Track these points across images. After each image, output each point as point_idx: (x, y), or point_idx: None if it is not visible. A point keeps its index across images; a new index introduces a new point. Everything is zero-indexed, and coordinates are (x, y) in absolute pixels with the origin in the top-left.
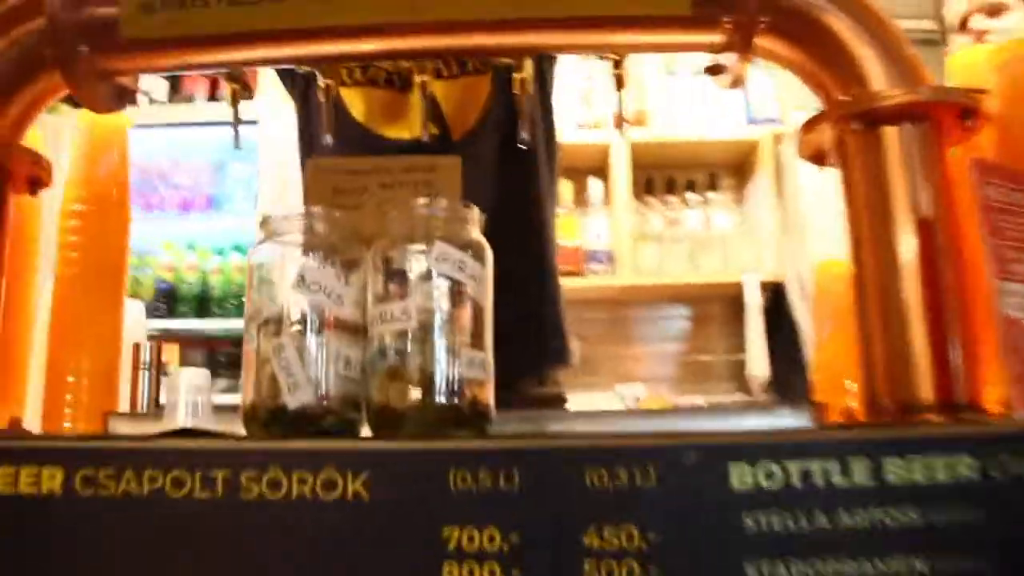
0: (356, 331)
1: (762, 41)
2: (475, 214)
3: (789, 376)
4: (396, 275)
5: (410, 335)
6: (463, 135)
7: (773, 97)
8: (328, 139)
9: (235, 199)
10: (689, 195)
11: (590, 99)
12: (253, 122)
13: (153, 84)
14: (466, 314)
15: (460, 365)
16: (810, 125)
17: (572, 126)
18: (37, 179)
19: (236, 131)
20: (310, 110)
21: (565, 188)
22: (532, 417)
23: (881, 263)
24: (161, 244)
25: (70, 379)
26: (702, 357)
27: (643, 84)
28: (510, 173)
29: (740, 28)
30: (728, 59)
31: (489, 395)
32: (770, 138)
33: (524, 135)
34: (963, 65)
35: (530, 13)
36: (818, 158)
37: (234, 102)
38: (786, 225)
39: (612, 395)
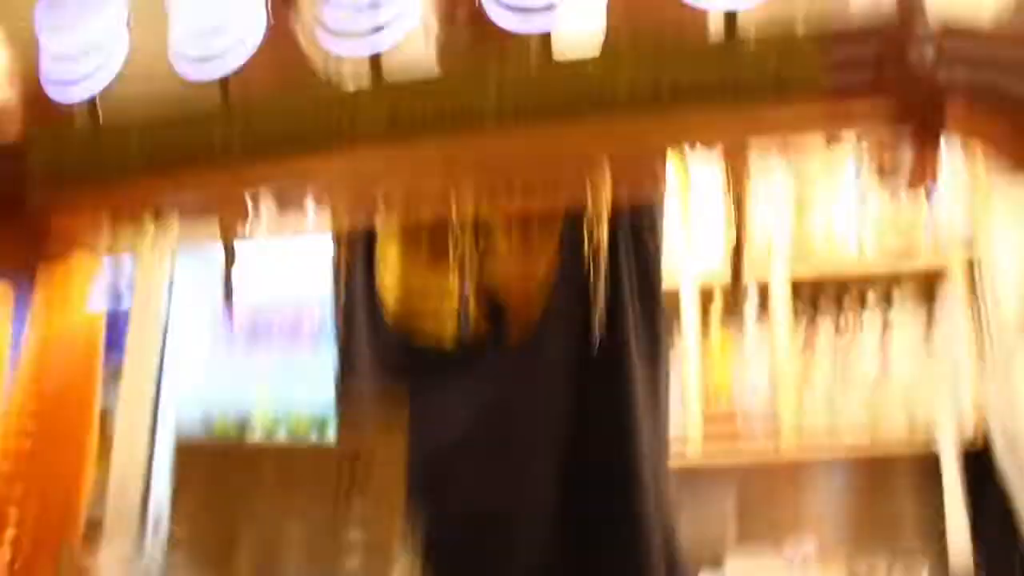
0: None
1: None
2: None
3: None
4: None
5: None
6: (524, 333)
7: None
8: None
9: None
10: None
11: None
12: None
13: None
14: None
15: None
16: None
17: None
18: None
19: None
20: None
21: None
22: None
23: None
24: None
25: None
26: (883, 518)
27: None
28: (589, 377)
29: (910, 94)
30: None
31: None
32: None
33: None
34: None
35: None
36: None
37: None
38: (985, 361)
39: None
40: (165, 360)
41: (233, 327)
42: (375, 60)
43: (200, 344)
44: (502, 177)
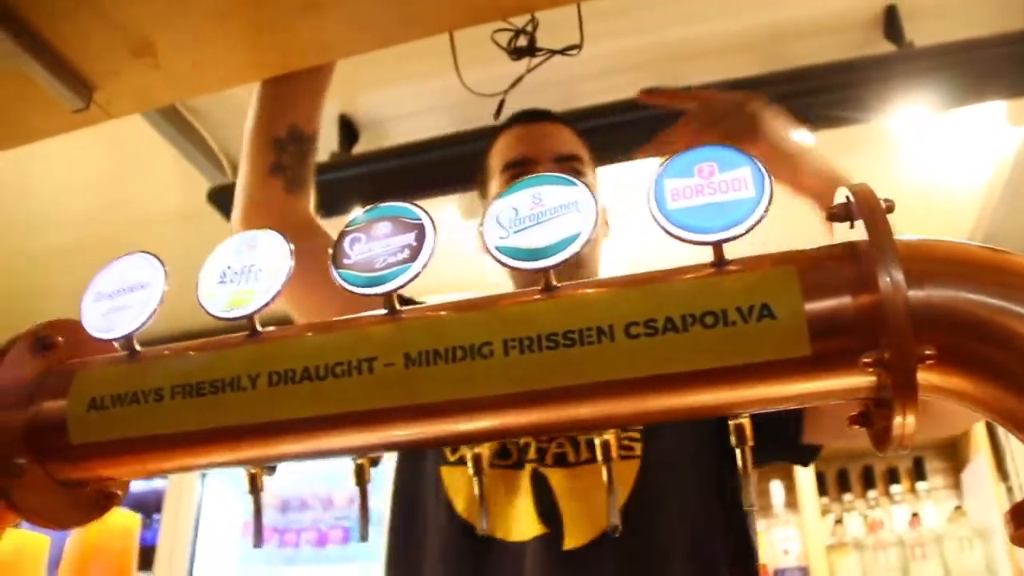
0: None
1: (934, 377)
2: None
3: None
4: None
5: None
6: (580, 546)
7: None
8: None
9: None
10: (893, 488)
11: None
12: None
13: None
14: None
15: None
16: None
17: None
18: None
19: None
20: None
21: None
22: None
23: None
24: None
25: None
26: None
27: None
28: None
29: (891, 367)
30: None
31: None
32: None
33: None
34: None
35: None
36: None
37: (360, 481)
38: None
39: None
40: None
41: (261, 543)
42: (389, 297)
43: (231, 535)
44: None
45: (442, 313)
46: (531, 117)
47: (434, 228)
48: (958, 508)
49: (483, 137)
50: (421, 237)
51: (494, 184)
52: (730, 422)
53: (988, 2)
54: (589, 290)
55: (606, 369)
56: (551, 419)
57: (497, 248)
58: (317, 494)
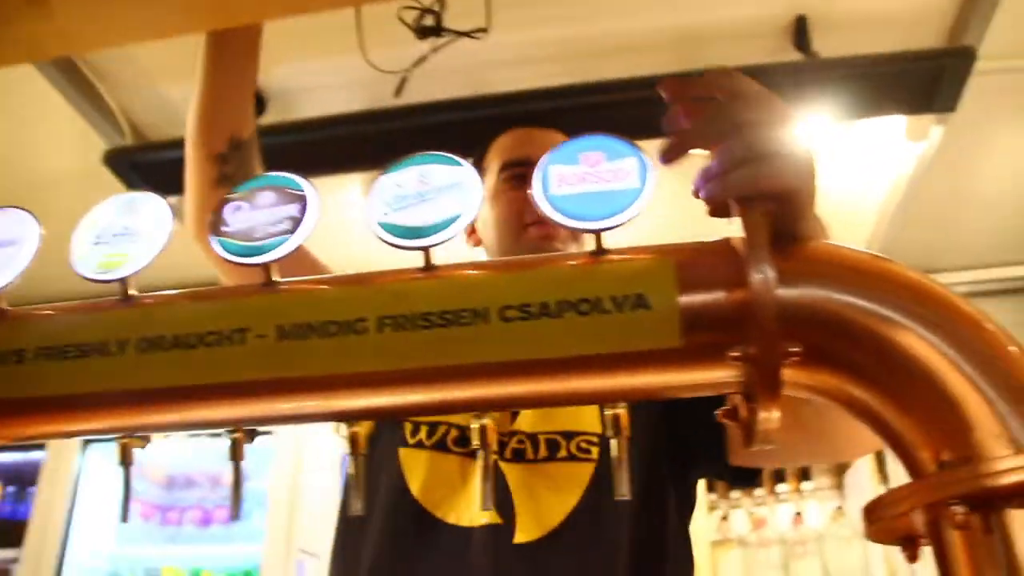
0: None
1: (800, 375)
2: None
3: None
4: None
5: None
6: (530, 540)
7: None
8: (359, 507)
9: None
10: (779, 487)
11: None
12: (268, 431)
13: None
14: None
15: None
16: (884, 504)
17: None
18: None
19: (235, 502)
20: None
21: None
22: None
23: None
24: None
25: None
26: None
27: None
28: None
29: (756, 362)
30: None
31: None
32: None
33: None
34: None
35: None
36: (902, 540)
37: (234, 456)
38: None
39: None
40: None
41: (127, 518)
42: (266, 268)
43: (111, 513)
44: None
45: (320, 287)
46: (537, 123)
47: (318, 201)
48: (839, 508)
49: (392, 117)
50: (303, 209)
51: (488, 181)
52: (606, 412)
53: (894, 19)
54: (469, 272)
55: (480, 351)
56: (424, 399)
57: (379, 224)
58: (205, 472)
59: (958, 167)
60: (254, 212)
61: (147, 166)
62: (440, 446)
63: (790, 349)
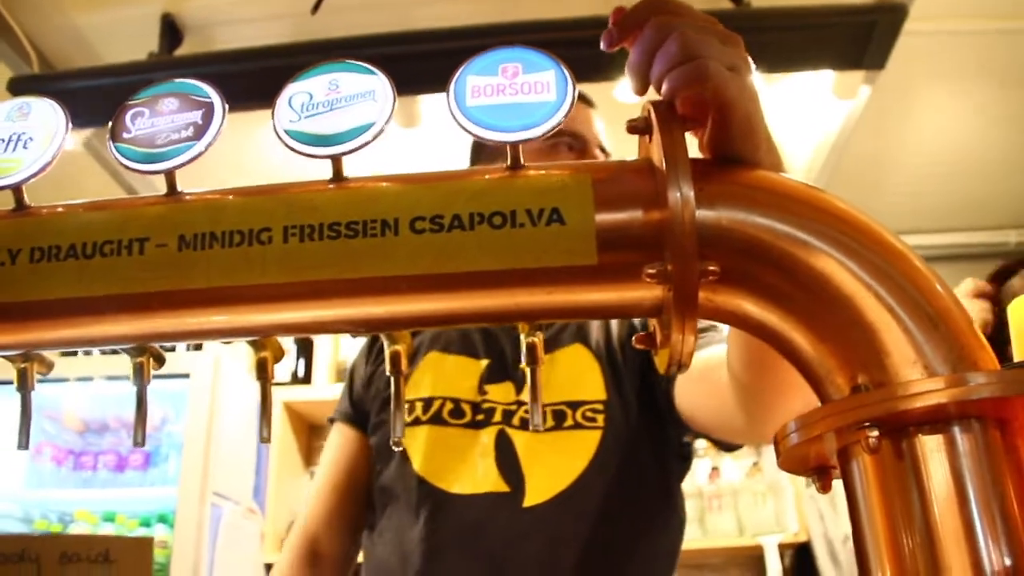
0: None
1: (717, 297)
2: None
3: None
4: None
5: None
6: (540, 503)
7: None
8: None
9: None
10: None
11: None
12: (184, 375)
13: None
14: None
15: None
16: (796, 428)
17: None
18: None
19: (139, 428)
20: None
21: None
22: None
23: None
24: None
25: None
26: None
27: None
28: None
29: (672, 280)
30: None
31: None
32: None
33: None
34: None
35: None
36: (814, 470)
37: (138, 379)
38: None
39: None
40: None
41: (27, 445)
42: (169, 176)
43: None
44: None
45: (225, 197)
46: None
47: (224, 108)
48: (756, 464)
49: (309, 51)
50: (208, 116)
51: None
52: (523, 339)
53: None
54: (380, 184)
55: (388, 264)
56: (331, 315)
57: (286, 132)
58: (120, 418)
59: (884, 130)
60: (156, 118)
61: (54, 95)
62: (436, 419)
63: (708, 267)
